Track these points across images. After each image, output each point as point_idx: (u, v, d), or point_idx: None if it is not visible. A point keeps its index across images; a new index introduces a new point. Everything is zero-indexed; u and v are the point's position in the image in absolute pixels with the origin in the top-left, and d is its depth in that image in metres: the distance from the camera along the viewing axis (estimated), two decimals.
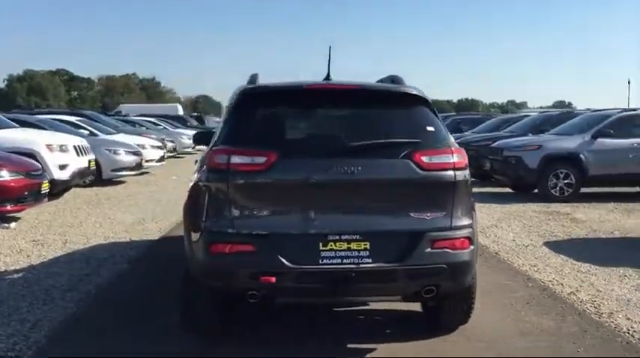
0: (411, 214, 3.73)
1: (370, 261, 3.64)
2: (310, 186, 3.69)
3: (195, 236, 3.84)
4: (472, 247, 3.80)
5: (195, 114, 44.17)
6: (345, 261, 3.64)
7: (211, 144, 4.03)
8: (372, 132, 3.84)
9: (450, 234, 3.74)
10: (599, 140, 11.32)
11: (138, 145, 15.78)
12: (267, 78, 4.21)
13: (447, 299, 4.12)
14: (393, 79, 4.31)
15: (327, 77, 4.43)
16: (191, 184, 4.21)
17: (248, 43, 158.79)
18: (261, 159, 3.66)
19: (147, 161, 15.71)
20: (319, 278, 3.66)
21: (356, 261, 3.64)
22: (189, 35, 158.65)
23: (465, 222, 3.82)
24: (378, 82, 4.50)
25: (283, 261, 3.58)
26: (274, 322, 4.61)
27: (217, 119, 44.32)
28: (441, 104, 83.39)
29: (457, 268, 3.75)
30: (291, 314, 4.69)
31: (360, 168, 3.65)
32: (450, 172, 3.77)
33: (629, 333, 4.44)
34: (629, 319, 4.75)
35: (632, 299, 5.27)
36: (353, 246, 3.66)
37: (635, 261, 6.58)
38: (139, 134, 18.26)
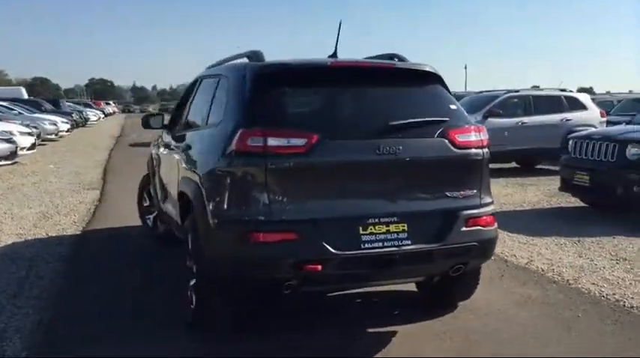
0: (447, 193, 3.73)
1: (409, 242, 3.59)
2: (351, 167, 3.54)
3: (223, 226, 3.53)
4: (496, 224, 3.89)
5: (50, 98, 40.69)
6: (385, 244, 3.55)
7: (222, 126, 3.69)
8: (405, 111, 3.76)
9: (480, 211, 3.79)
10: (490, 119, 12.08)
11: (5, 132, 14.23)
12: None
13: (459, 277, 4.17)
14: (398, 57, 4.25)
15: (334, 54, 4.26)
16: (202, 170, 3.85)
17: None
18: (302, 141, 3.44)
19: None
20: (362, 263, 3.53)
21: (396, 243, 3.56)
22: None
23: (490, 199, 3.90)
24: (375, 58, 4.42)
25: (328, 247, 3.41)
26: (280, 310, 4.41)
27: (70, 104, 41.42)
28: None
29: (487, 245, 3.81)
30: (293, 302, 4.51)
31: (400, 147, 3.57)
32: (480, 150, 3.82)
33: (604, 297, 4.80)
34: (594, 284, 5.15)
35: (583, 266, 5.71)
36: (392, 228, 3.58)
37: (559, 230, 7.16)
38: None
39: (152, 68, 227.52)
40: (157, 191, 6.07)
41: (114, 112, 64.45)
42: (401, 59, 4.22)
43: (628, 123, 9.23)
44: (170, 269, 5.54)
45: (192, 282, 4.09)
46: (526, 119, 12.52)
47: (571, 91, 13.93)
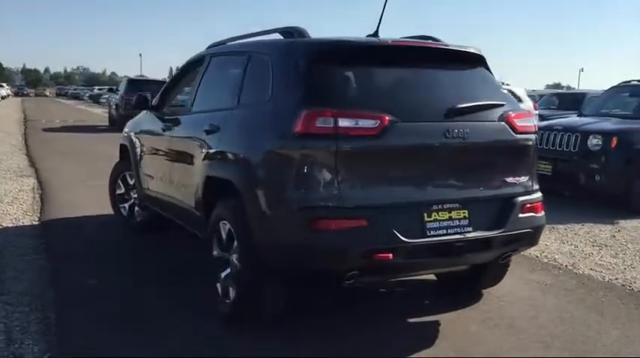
0: (505, 179, 3.68)
1: (471, 229, 3.51)
2: (421, 151, 3.41)
3: (285, 213, 3.29)
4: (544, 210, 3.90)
5: None
6: (449, 231, 3.45)
7: (285, 104, 3.43)
8: (466, 94, 3.65)
9: (533, 197, 3.77)
10: None
11: None
12: None
13: (492, 264, 4.15)
14: (432, 39, 4.13)
15: (376, 34, 4.08)
16: (251, 154, 3.56)
17: None
18: (373, 123, 3.25)
19: None
20: (428, 251, 3.41)
21: (459, 230, 3.47)
22: None
23: (538, 185, 3.89)
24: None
25: (398, 235, 3.26)
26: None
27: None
28: None
29: (538, 232, 3.81)
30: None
31: (468, 131, 3.47)
32: (533, 135, 3.79)
33: (609, 281, 4.97)
34: (592, 269, 5.32)
35: (572, 253, 5.89)
36: (454, 215, 3.49)
37: None
38: None
39: (43, 49, 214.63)
40: (140, 177, 5.63)
41: (8, 95, 60.05)
42: (436, 40, 4.12)
43: (579, 115, 9.66)
44: (159, 257, 5.18)
45: (224, 273, 3.81)
46: None
47: (508, 84, 14.45)
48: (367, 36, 4.05)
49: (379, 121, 3.25)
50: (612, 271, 5.26)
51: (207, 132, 4.13)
